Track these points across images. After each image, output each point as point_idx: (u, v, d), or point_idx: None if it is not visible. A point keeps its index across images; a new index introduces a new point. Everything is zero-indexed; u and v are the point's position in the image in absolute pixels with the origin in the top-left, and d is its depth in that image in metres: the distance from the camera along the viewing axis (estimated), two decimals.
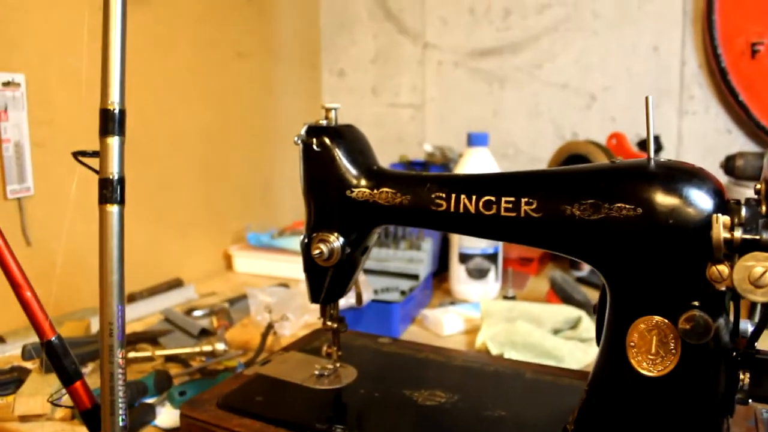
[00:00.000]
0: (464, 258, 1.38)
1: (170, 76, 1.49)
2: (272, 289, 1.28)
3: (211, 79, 1.62)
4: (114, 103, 0.66)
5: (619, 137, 1.57)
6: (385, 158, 1.80)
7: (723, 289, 0.54)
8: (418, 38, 1.95)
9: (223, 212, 1.70)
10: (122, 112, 0.66)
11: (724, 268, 0.53)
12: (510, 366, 0.85)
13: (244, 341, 1.15)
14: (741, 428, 0.71)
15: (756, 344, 0.62)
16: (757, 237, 0.51)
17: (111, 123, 0.66)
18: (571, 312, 1.17)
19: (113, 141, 0.66)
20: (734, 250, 0.52)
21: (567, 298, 1.26)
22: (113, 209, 0.66)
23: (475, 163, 1.36)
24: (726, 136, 1.65)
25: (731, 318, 0.64)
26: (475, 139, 1.37)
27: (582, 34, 1.75)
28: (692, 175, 0.57)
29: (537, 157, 1.82)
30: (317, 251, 0.72)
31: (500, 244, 1.40)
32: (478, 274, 1.38)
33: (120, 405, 0.67)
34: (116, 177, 0.66)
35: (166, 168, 1.50)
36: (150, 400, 0.91)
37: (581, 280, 1.45)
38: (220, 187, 1.67)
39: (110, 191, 0.66)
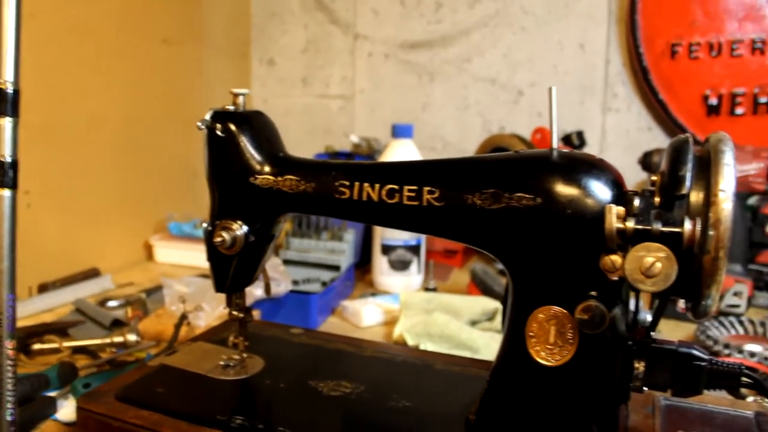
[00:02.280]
0: (386, 249, 1.38)
1: (90, 59, 1.44)
2: (189, 279, 1.25)
3: (134, 64, 1.57)
4: (7, 81, 0.62)
5: (544, 132, 1.59)
6: (312, 149, 1.79)
7: (616, 278, 0.54)
8: (349, 29, 1.93)
9: (146, 201, 1.66)
10: (16, 92, 0.63)
11: (617, 258, 0.53)
12: (420, 357, 0.85)
13: (158, 332, 1.11)
14: (639, 415, 0.72)
15: (653, 333, 0.63)
16: (649, 227, 0.51)
17: (3, 103, 0.63)
18: (488, 303, 1.18)
19: (5, 122, 0.63)
20: (627, 241, 0.52)
21: (487, 290, 1.27)
22: (5, 194, 0.63)
23: (399, 154, 1.35)
24: (647, 133, 1.68)
25: (631, 308, 0.64)
26: (399, 131, 1.37)
27: (511, 30, 1.76)
28: (592, 165, 0.58)
29: (465, 150, 1.83)
30: (219, 239, 0.70)
31: (423, 236, 1.40)
32: (401, 265, 1.38)
33: (8, 399, 0.64)
34: (9, 160, 0.63)
35: (85, 154, 1.45)
36: (52, 393, 0.87)
37: (504, 273, 1.46)
38: (144, 175, 1.63)
39: (1, 175, 0.63)
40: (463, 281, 1.44)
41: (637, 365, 0.62)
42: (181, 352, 0.85)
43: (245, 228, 0.71)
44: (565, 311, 0.58)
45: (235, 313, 0.79)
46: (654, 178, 0.56)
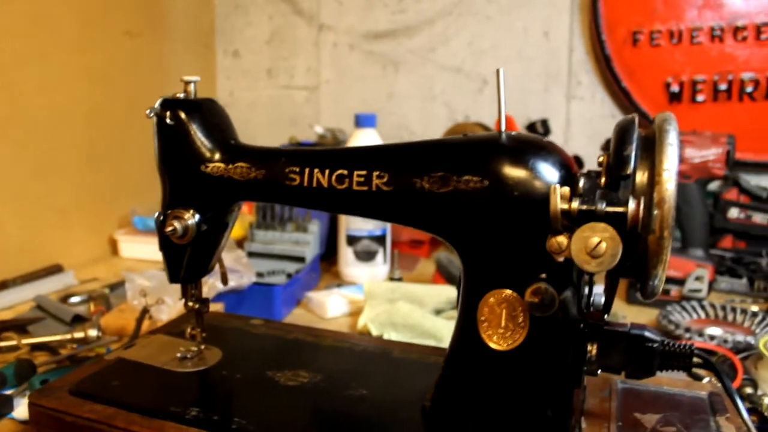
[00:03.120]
0: (352, 240, 1.37)
1: (50, 52, 1.42)
2: (151, 272, 1.23)
3: (96, 57, 1.55)
4: None
5: (508, 119, 1.57)
6: (278, 140, 1.78)
7: (562, 260, 0.54)
8: (313, 20, 1.92)
9: (110, 196, 1.63)
10: None
11: (563, 240, 0.53)
12: (379, 345, 0.85)
13: (120, 326, 1.10)
14: (596, 398, 0.72)
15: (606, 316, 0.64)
16: (593, 208, 0.51)
17: None
18: (453, 292, 1.18)
19: None
20: (573, 222, 0.52)
21: (451, 279, 1.27)
22: None
23: (362, 144, 1.34)
24: (610, 121, 1.69)
25: (586, 291, 0.65)
26: (362, 121, 1.36)
27: (475, 18, 1.76)
28: (540, 147, 0.58)
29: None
30: (170, 228, 0.69)
31: (388, 226, 1.40)
32: (366, 256, 1.38)
33: None
34: None
35: (47, 149, 1.43)
36: (9, 392, 0.86)
37: None
38: (108, 170, 1.61)
39: None
40: (430, 271, 1.44)
41: (590, 348, 0.62)
42: (138, 345, 0.84)
43: (197, 217, 0.71)
44: (515, 294, 0.58)
45: (190, 304, 0.78)
46: (601, 158, 0.56)
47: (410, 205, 0.60)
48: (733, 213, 1.50)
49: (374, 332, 1.08)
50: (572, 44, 1.70)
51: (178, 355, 0.79)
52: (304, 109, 1.97)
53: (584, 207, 0.51)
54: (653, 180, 0.51)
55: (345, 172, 0.62)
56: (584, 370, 0.64)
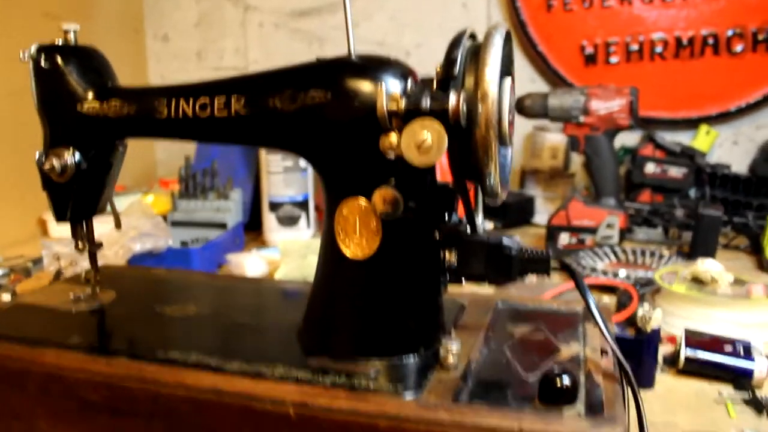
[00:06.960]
0: (274, 206, 1.40)
1: None
2: (69, 239, 1.25)
3: (13, 40, 1.55)
4: None
5: None
6: None
7: (393, 157, 0.56)
8: (239, 1, 1.94)
9: (38, 177, 1.64)
10: None
11: (394, 137, 0.56)
12: (272, 284, 0.88)
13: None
14: (473, 317, 0.75)
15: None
16: (418, 106, 0.54)
17: None
18: None
19: None
20: (404, 121, 0.55)
21: None
22: None
23: None
24: (530, 85, 1.74)
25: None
26: None
27: None
28: (382, 62, 0.61)
29: None
30: (48, 166, 0.71)
31: (309, 192, 1.42)
32: (289, 221, 1.40)
33: None
34: None
35: None
36: None
37: None
38: (33, 151, 1.61)
39: None
40: None
41: (448, 256, 0.65)
42: (38, 293, 0.86)
43: (77, 155, 0.73)
44: (366, 202, 0.60)
45: (80, 244, 0.80)
46: (438, 69, 0.59)
47: (266, 126, 0.63)
48: (650, 168, 1.55)
49: None
50: (490, 12, 1.74)
51: (72, 296, 0.81)
52: None
53: (411, 106, 0.55)
54: (477, 79, 0.55)
55: (207, 100, 0.65)
56: (447, 279, 0.67)
